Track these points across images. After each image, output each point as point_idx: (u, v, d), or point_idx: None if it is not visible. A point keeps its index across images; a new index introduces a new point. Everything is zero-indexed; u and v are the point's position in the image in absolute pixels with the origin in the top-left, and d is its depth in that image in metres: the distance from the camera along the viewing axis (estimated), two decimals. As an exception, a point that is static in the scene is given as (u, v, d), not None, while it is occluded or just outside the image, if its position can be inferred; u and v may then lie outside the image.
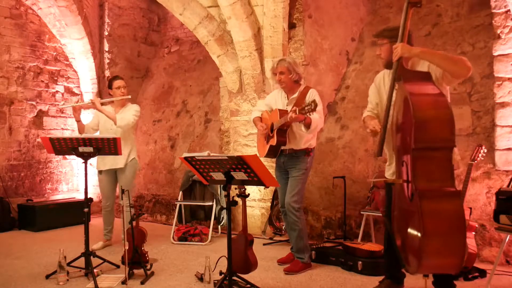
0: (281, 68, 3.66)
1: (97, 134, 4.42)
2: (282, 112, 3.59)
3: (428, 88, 2.45)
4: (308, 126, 3.46)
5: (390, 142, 2.77)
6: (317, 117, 3.48)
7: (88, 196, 3.64)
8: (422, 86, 2.46)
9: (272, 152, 3.72)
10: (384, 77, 2.97)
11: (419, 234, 2.23)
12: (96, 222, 5.96)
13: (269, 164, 4.39)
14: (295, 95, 3.69)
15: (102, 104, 4.31)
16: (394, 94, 2.64)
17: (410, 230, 2.37)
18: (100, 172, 4.50)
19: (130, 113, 4.36)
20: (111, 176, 4.49)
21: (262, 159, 2.96)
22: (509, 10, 3.73)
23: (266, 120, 3.79)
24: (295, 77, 3.67)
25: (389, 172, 2.95)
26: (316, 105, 3.21)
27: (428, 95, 2.40)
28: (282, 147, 3.70)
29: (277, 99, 3.85)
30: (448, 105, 2.37)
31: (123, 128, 4.26)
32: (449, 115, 2.32)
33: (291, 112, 3.37)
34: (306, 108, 3.23)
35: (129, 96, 4.43)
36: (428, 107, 2.34)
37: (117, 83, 4.39)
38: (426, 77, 2.54)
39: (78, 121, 4.33)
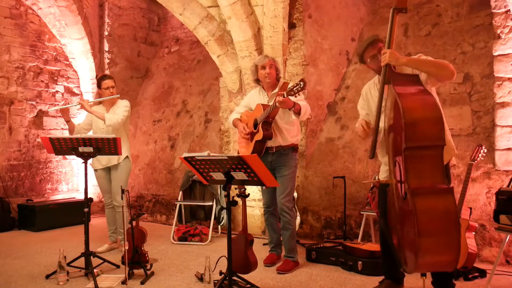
0: (271, 62, 3.75)
1: (92, 134, 4.41)
2: (265, 106, 3.58)
3: (416, 89, 2.52)
4: (298, 112, 3.48)
5: (383, 144, 2.83)
6: (304, 103, 3.53)
7: (88, 196, 3.64)
8: (411, 88, 2.52)
9: (258, 150, 3.64)
10: (370, 89, 3.05)
11: (413, 232, 2.25)
12: (96, 222, 5.97)
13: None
14: (275, 90, 3.72)
15: (91, 104, 4.31)
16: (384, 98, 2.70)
17: (405, 229, 2.39)
18: (96, 170, 4.49)
19: (119, 110, 4.33)
20: (107, 172, 4.45)
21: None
22: (509, 10, 3.73)
23: (246, 121, 3.78)
24: (279, 73, 3.80)
25: (383, 175, 2.98)
26: (305, 83, 3.11)
27: (416, 96, 2.46)
28: (270, 145, 3.66)
29: (255, 98, 3.86)
30: (437, 105, 2.43)
31: (113, 126, 4.22)
32: (438, 114, 2.38)
33: (277, 96, 3.29)
34: (294, 89, 3.15)
35: (118, 95, 4.39)
36: (417, 107, 2.39)
37: (106, 83, 4.35)
38: (414, 79, 2.61)
39: (68, 121, 4.31)
